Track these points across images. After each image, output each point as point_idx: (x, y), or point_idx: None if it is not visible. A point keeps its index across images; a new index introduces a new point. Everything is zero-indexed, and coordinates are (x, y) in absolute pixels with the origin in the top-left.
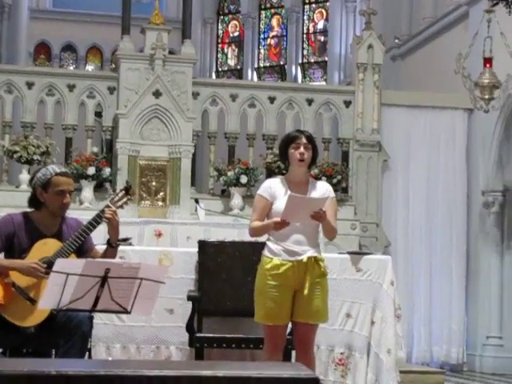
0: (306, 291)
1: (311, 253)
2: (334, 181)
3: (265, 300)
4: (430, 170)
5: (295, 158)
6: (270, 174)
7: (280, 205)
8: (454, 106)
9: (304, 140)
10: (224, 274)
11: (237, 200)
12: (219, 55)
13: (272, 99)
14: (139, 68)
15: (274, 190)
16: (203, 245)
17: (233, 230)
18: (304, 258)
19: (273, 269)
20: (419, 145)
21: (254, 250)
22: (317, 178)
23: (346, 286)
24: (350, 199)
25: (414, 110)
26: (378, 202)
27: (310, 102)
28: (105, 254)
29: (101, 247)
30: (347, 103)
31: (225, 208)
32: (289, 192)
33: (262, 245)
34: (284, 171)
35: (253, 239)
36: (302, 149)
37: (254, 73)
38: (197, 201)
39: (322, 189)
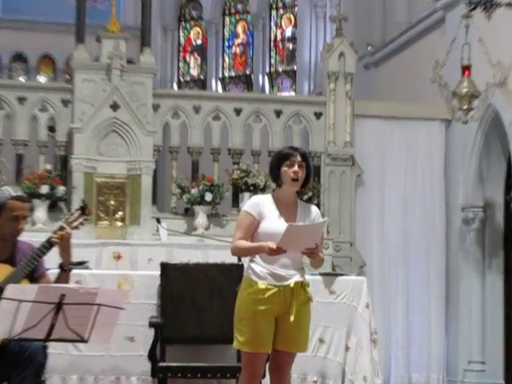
0: (292, 318)
1: (298, 277)
2: (305, 197)
3: (247, 326)
4: (406, 185)
5: (288, 177)
6: (237, 190)
7: (268, 225)
8: (431, 117)
9: (299, 158)
10: (188, 299)
11: (201, 219)
12: (181, 64)
13: (238, 111)
14: (95, 79)
15: (262, 208)
16: (166, 267)
17: (197, 251)
18: (291, 282)
19: (257, 293)
20: (395, 158)
21: (221, 273)
22: None
23: (319, 309)
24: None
25: (388, 121)
26: (352, 220)
27: (278, 113)
28: (58, 280)
29: (54, 272)
30: (318, 115)
31: (188, 228)
32: (284, 222)
33: (229, 267)
34: (251, 188)
35: (218, 261)
36: (296, 167)
37: (219, 83)
38: (158, 220)
39: (313, 212)
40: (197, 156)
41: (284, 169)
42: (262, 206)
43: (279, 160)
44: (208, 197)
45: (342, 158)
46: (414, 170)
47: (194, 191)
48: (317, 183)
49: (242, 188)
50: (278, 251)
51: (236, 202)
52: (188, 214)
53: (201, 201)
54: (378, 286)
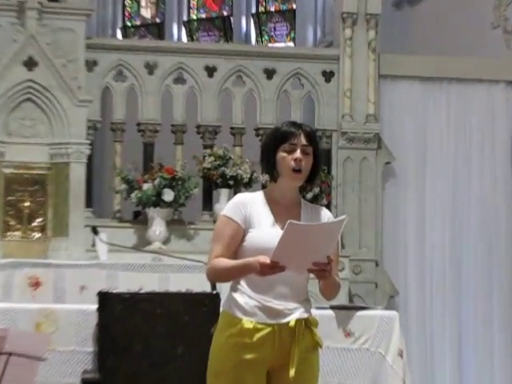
0: (292, 372)
1: (300, 313)
2: (309, 196)
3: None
4: (456, 177)
5: (288, 166)
6: (210, 186)
7: (259, 236)
8: (493, 78)
9: (303, 139)
10: (139, 345)
11: (158, 228)
12: (127, 2)
13: (211, 70)
14: (1, 23)
15: (250, 211)
16: (106, 299)
17: (153, 274)
18: (291, 320)
19: (242, 335)
20: (441, 137)
21: (187, 306)
22: None
23: (331, 358)
24: None
25: (431, 84)
26: (378, 229)
27: (269, 74)
28: None
29: None
30: (328, 75)
31: (139, 241)
32: (281, 232)
33: (199, 297)
34: (231, 182)
35: (183, 289)
36: (298, 153)
37: (183, 29)
38: (95, 230)
39: (324, 218)
40: (151, 136)
41: (282, 155)
42: (249, 208)
43: (275, 142)
44: (168, 195)
45: (364, 138)
46: (467, 155)
47: (147, 187)
48: (326, 175)
49: (217, 182)
50: (274, 268)
51: (209, 203)
52: (139, 220)
53: (157, 201)
54: (415, 325)
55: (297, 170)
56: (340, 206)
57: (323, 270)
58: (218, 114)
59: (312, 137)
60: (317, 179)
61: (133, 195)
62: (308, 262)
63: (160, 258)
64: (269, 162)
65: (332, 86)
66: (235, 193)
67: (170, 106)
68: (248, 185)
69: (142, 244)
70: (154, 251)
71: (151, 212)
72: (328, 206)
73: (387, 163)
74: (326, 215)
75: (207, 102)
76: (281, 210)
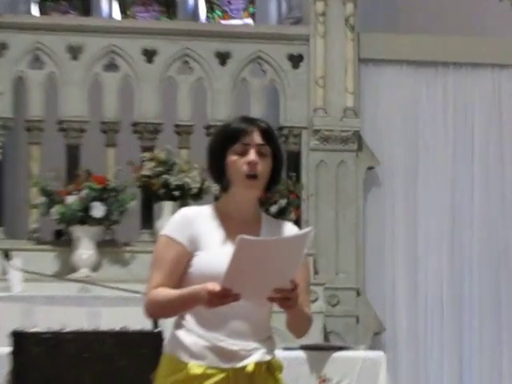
0: None
1: (261, 355)
2: (274, 209)
3: None
4: (456, 182)
5: (240, 171)
6: (150, 198)
7: (210, 260)
8: (499, 62)
9: (257, 137)
10: None
11: (85, 251)
12: None
13: (150, 54)
14: None
15: (197, 229)
16: (21, 339)
17: (79, 308)
18: (249, 364)
19: (189, 382)
20: (436, 135)
21: (121, 348)
22: None
23: None
24: None
25: (423, 69)
26: (359, 249)
27: (223, 58)
28: None
29: None
30: (295, 60)
31: (63, 267)
32: (239, 235)
33: (136, 337)
34: (176, 193)
35: (117, 326)
36: (252, 154)
37: (114, 4)
38: (7, 254)
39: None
40: (76, 137)
41: (232, 158)
42: (195, 225)
43: (223, 142)
44: (97, 210)
45: (341, 137)
46: (468, 155)
47: (71, 200)
48: (295, 183)
49: (158, 194)
50: (225, 298)
51: (148, 220)
52: (61, 241)
53: (84, 218)
54: (406, 368)
55: (251, 176)
56: (312, 222)
57: (287, 298)
58: (159, 108)
59: (269, 134)
60: (276, 186)
61: (54, 210)
62: (268, 288)
63: (88, 288)
64: (217, 168)
65: (301, 73)
66: (181, 206)
67: (100, 100)
68: (198, 196)
69: (65, 271)
70: (80, 280)
71: (77, 231)
72: (297, 222)
73: (370, 168)
74: (293, 229)
75: (146, 94)
76: (235, 227)
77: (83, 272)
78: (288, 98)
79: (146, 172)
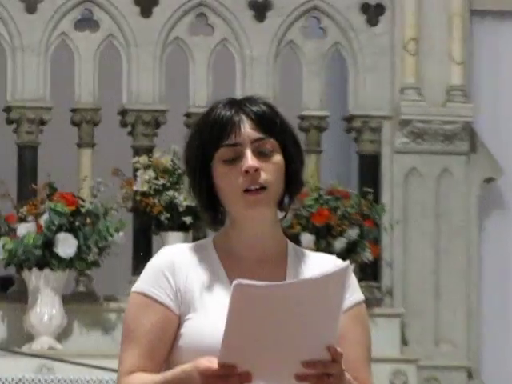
0: None
1: None
2: (338, 244)
3: None
4: None
5: (235, 187)
6: (146, 226)
7: (210, 326)
8: None
9: (250, 129)
10: None
11: (47, 308)
12: None
13: (147, 4)
14: None
15: (188, 277)
16: None
17: None
18: None
19: None
20: None
21: None
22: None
23: None
24: (386, 297)
25: None
26: (472, 305)
27: (260, 9)
28: None
29: None
30: (373, 13)
31: (12, 334)
32: (235, 280)
33: None
34: (187, 221)
35: None
36: (248, 157)
37: None
38: None
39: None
40: (31, 131)
41: (219, 170)
42: (183, 274)
43: (200, 150)
44: (65, 246)
45: (443, 132)
46: None
47: (24, 230)
48: (371, 204)
49: (161, 221)
50: (226, 378)
51: (144, 261)
52: (10, 294)
53: (45, 258)
54: None
55: (253, 190)
56: (398, 263)
57: (326, 376)
58: (160, 88)
59: (268, 119)
60: (296, 196)
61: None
62: (293, 360)
63: (51, 366)
64: (200, 190)
65: (381, 34)
66: (194, 239)
67: (69, 75)
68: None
69: (16, 340)
70: (39, 354)
71: (34, 278)
72: (375, 265)
73: (488, 180)
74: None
75: (140, 67)
76: (245, 272)
77: (44, 342)
78: (361, 71)
79: (140, 187)
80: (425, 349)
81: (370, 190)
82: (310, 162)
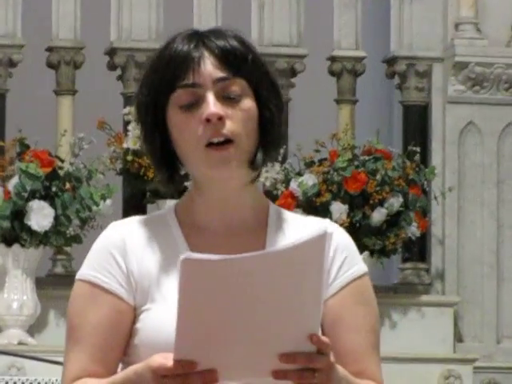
0: None
1: None
2: (377, 216)
3: None
4: None
5: (194, 139)
6: (140, 192)
7: (172, 317)
8: None
9: (212, 67)
10: None
11: (16, 296)
12: None
13: None
14: None
15: (144, 258)
16: None
17: None
18: None
19: None
20: None
21: None
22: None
23: None
24: (436, 281)
25: None
26: None
27: None
28: None
29: None
30: None
31: None
32: (182, 255)
33: None
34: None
35: None
36: (210, 102)
37: None
38: None
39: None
40: (1, 76)
41: (176, 118)
42: (138, 254)
43: (154, 88)
44: (39, 216)
45: (508, 77)
46: None
47: None
48: (418, 166)
49: (157, 186)
50: (185, 377)
51: None
52: None
53: (15, 231)
54: None
55: (217, 144)
56: (451, 240)
57: (309, 371)
58: (156, 21)
59: (237, 54)
60: (275, 151)
61: None
62: (268, 354)
63: (21, 365)
64: (152, 145)
65: None
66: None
67: (47, 11)
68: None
69: None
70: (7, 351)
71: (0, 256)
72: (423, 242)
73: None
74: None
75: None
76: (215, 248)
77: (12, 336)
78: (406, 1)
79: (132, 144)
80: (483, 346)
81: (416, 149)
82: (342, 113)
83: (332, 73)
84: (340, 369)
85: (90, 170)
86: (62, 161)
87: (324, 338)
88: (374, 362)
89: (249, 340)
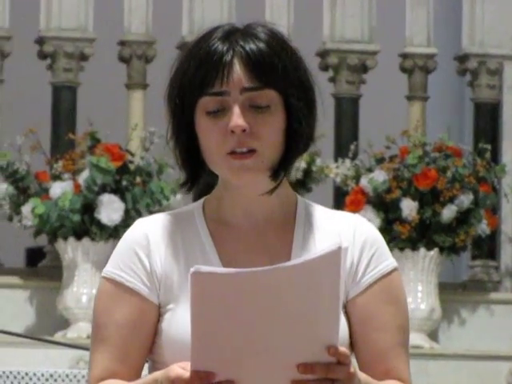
0: None
1: None
2: (447, 213)
3: None
4: None
5: (217, 147)
6: (210, 186)
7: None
8: None
9: (241, 73)
10: None
11: (86, 290)
12: None
13: None
14: None
15: (169, 257)
16: None
17: None
18: None
19: None
20: None
21: None
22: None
23: None
24: (505, 279)
25: None
26: None
27: None
28: None
29: None
30: None
31: (43, 319)
32: (192, 268)
33: None
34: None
35: None
36: (236, 112)
37: None
38: None
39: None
40: (70, 69)
41: (202, 123)
42: (162, 252)
43: (182, 92)
44: (110, 211)
45: None
46: None
47: (60, 190)
48: (489, 164)
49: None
50: None
51: None
52: (40, 270)
53: (85, 225)
54: None
55: (239, 154)
56: None
57: (329, 381)
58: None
59: (267, 60)
60: (300, 156)
61: (25, 210)
62: (285, 365)
63: None
64: (177, 145)
65: None
66: None
67: (119, 3)
68: (302, 186)
69: (48, 327)
70: (75, 344)
71: (70, 250)
72: (493, 239)
73: None
74: (349, 227)
75: None
76: (242, 245)
77: (81, 329)
78: None
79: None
80: None
81: (487, 146)
82: (413, 110)
83: (403, 69)
84: (362, 377)
85: (160, 164)
86: (133, 155)
87: (342, 349)
88: (402, 361)
89: (265, 351)
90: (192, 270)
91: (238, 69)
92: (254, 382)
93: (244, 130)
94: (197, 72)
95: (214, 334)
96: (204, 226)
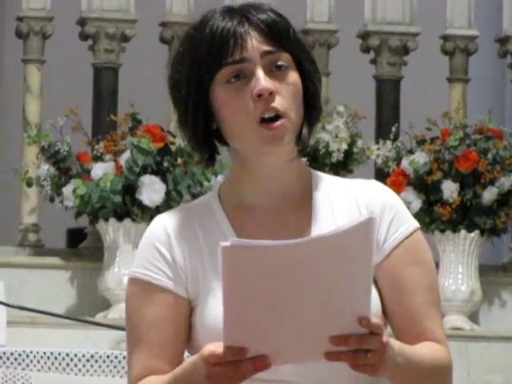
0: None
1: None
2: (489, 195)
3: None
4: None
5: (246, 116)
6: None
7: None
8: None
9: (259, 41)
10: None
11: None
12: None
13: None
14: None
15: (186, 248)
16: None
17: (116, 380)
18: None
19: None
20: None
21: None
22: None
23: None
24: None
25: None
26: None
27: None
28: None
29: None
30: None
31: (84, 300)
32: (221, 243)
33: None
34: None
35: None
36: (261, 77)
37: None
38: None
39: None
40: (111, 50)
41: (221, 96)
42: (183, 244)
43: (196, 68)
44: (151, 192)
45: None
46: None
47: (101, 171)
48: None
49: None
50: (236, 365)
51: None
52: (81, 251)
53: (126, 206)
54: None
55: (269, 119)
56: None
57: (363, 352)
58: None
59: (281, 28)
60: (317, 122)
61: (67, 191)
62: (317, 337)
63: None
64: (195, 125)
65: None
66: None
67: None
68: (343, 167)
69: (89, 308)
70: (117, 325)
71: (111, 231)
72: None
73: None
74: (374, 195)
75: None
76: (262, 226)
77: (124, 310)
78: None
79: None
80: None
81: None
82: (454, 92)
83: (444, 51)
84: (396, 345)
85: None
86: (174, 136)
87: (374, 320)
88: (434, 321)
89: (298, 324)
90: (222, 243)
91: (255, 34)
92: (286, 356)
93: (271, 93)
94: (212, 47)
95: (245, 309)
96: (223, 215)
